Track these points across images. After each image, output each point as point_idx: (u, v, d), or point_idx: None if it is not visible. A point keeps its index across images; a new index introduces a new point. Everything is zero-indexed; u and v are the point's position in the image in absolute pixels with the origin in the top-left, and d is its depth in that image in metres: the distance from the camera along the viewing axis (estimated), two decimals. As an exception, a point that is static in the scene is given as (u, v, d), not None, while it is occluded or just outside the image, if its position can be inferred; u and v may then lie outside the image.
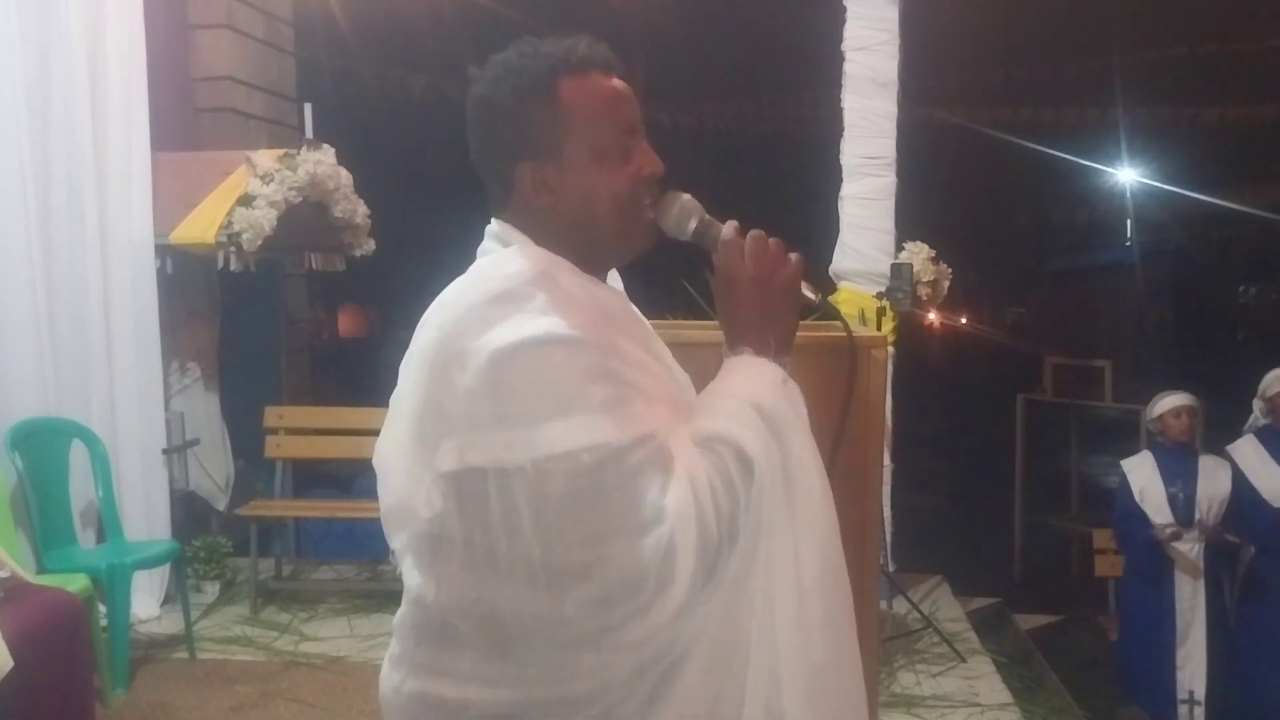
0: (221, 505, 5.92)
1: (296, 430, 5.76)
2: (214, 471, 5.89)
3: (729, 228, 1.44)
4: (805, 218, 6.02)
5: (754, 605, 1.32)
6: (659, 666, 1.29)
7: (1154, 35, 9.14)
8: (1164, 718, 5.21)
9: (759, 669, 1.32)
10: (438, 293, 1.40)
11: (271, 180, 5.07)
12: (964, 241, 10.62)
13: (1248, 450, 5.23)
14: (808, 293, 1.44)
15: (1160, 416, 5.36)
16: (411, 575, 1.38)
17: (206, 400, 5.86)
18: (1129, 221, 16.72)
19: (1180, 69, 9.66)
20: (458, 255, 1.49)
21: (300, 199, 5.21)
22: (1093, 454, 9.43)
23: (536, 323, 1.26)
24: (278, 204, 5.04)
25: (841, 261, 5.14)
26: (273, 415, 5.74)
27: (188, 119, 6.33)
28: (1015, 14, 8.29)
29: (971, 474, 10.35)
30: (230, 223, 4.95)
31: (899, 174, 5.13)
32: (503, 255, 1.37)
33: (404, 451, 1.35)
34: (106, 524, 4.78)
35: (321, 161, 5.31)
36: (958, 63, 9.30)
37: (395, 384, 1.41)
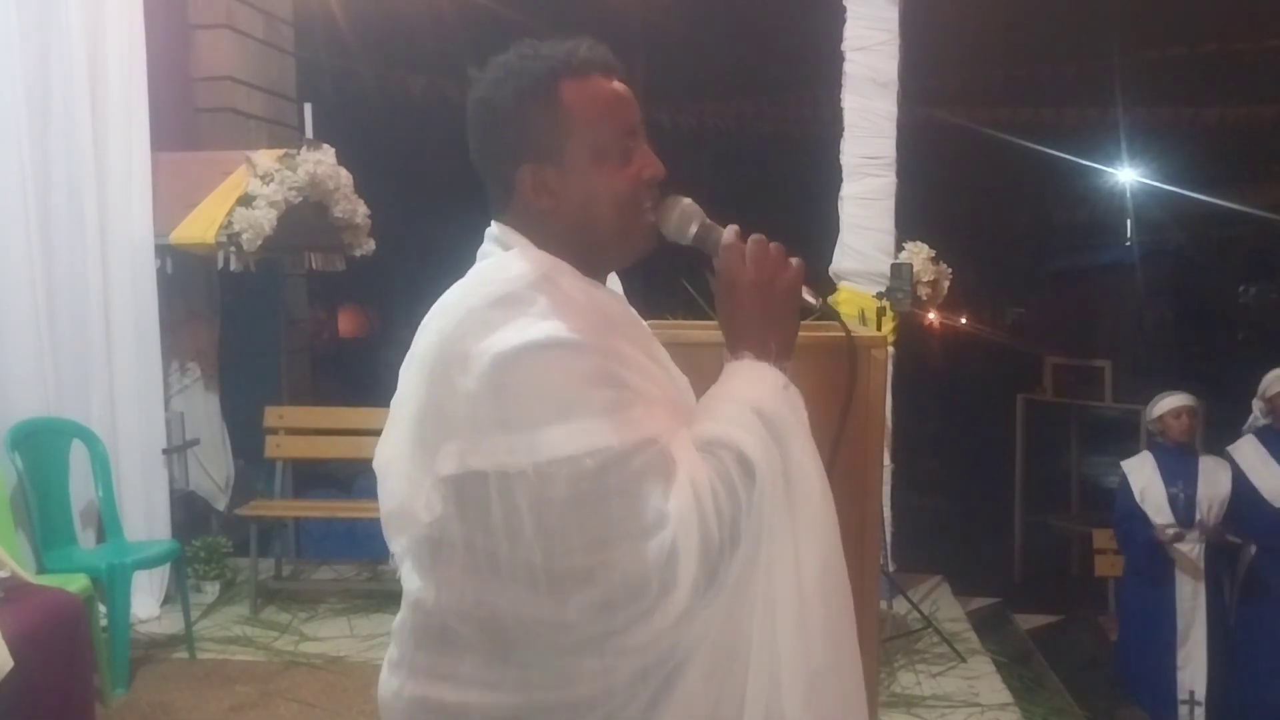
0: (221, 505, 5.92)
1: (296, 430, 5.76)
2: (214, 471, 5.89)
3: (730, 232, 1.44)
4: (805, 218, 6.02)
5: (755, 609, 1.32)
6: (661, 671, 1.29)
7: (1154, 35, 9.15)
8: (1164, 718, 5.21)
9: (760, 673, 1.32)
10: (438, 293, 1.40)
11: (271, 180, 5.07)
12: (964, 241, 10.61)
13: (1248, 450, 5.23)
14: (808, 297, 1.45)
15: (1160, 417, 5.36)
16: (411, 579, 1.38)
17: (206, 400, 5.86)
18: (1129, 221, 16.72)
19: (1180, 69, 9.66)
20: (458, 255, 1.49)
21: (300, 199, 5.21)
22: (1093, 454, 9.43)
23: (538, 326, 1.26)
24: (278, 204, 5.04)
25: (841, 261, 5.14)
26: (273, 415, 5.74)
27: (188, 119, 6.33)
28: (1015, 14, 8.30)
29: (971, 474, 10.34)
30: (230, 223, 4.95)
31: (899, 174, 5.13)
32: (503, 258, 1.37)
33: (404, 455, 1.35)
34: (106, 524, 4.78)
35: (321, 161, 5.31)
36: (958, 63, 9.30)
37: (395, 384, 1.40)
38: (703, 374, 1.45)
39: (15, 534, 4.33)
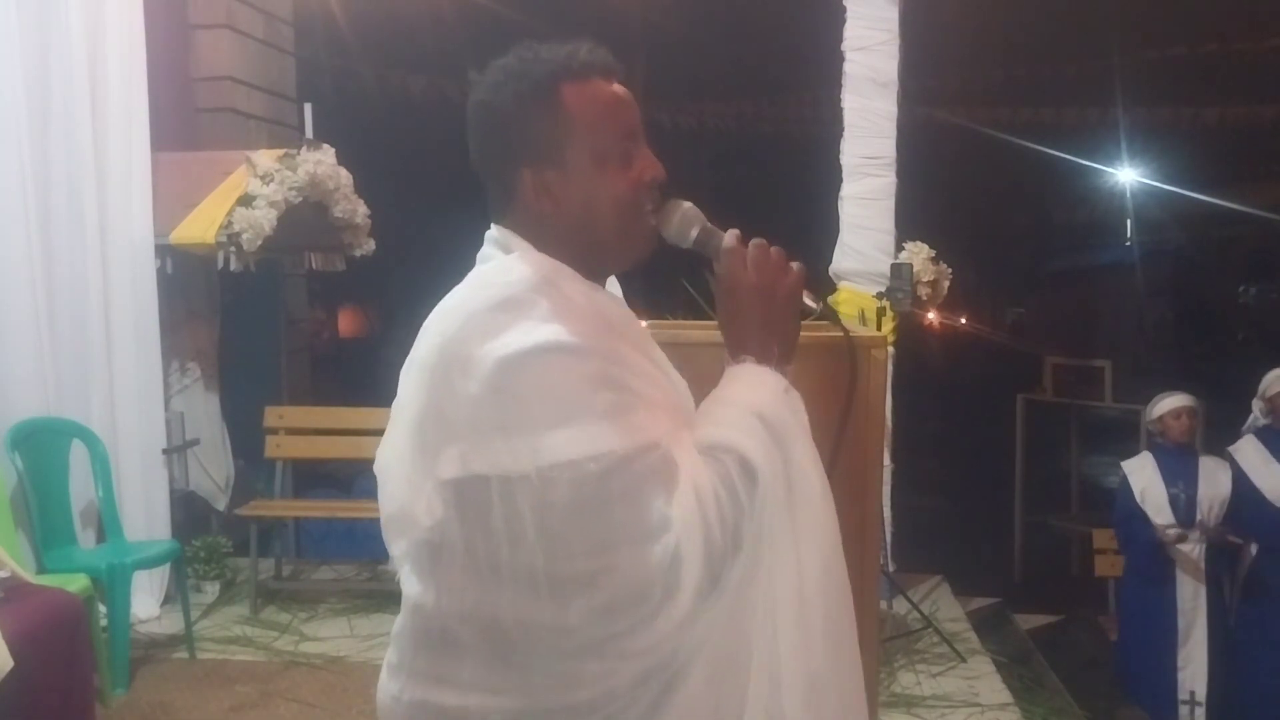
0: (221, 505, 5.92)
1: (296, 430, 5.76)
2: (214, 471, 5.89)
3: (731, 236, 1.44)
4: (805, 218, 6.03)
5: (756, 612, 1.32)
6: (663, 675, 1.29)
7: (1154, 35, 9.14)
8: (1165, 718, 5.21)
9: (760, 676, 1.32)
10: (438, 293, 1.40)
11: (271, 180, 5.07)
12: (964, 241, 10.60)
13: (1249, 451, 5.23)
14: (809, 301, 1.45)
15: (1160, 417, 5.36)
16: (410, 583, 1.38)
17: (206, 400, 5.86)
18: (1129, 221, 16.71)
19: (1180, 69, 9.66)
20: (458, 255, 1.49)
21: (300, 199, 5.21)
22: (1093, 454, 9.43)
23: (541, 330, 1.26)
24: (278, 204, 5.04)
25: (841, 261, 5.14)
26: (273, 415, 5.74)
27: (188, 119, 6.33)
28: (1015, 14, 8.30)
29: (971, 474, 10.34)
30: (230, 223, 4.95)
31: (899, 174, 5.13)
32: (505, 262, 1.37)
33: (404, 458, 1.35)
34: (106, 524, 4.78)
35: (321, 161, 5.31)
36: (958, 63, 9.30)
37: (395, 384, 1.40)
38: (702, 375, 1.45)
39: (15, 534, 4.33)
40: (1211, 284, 18.72)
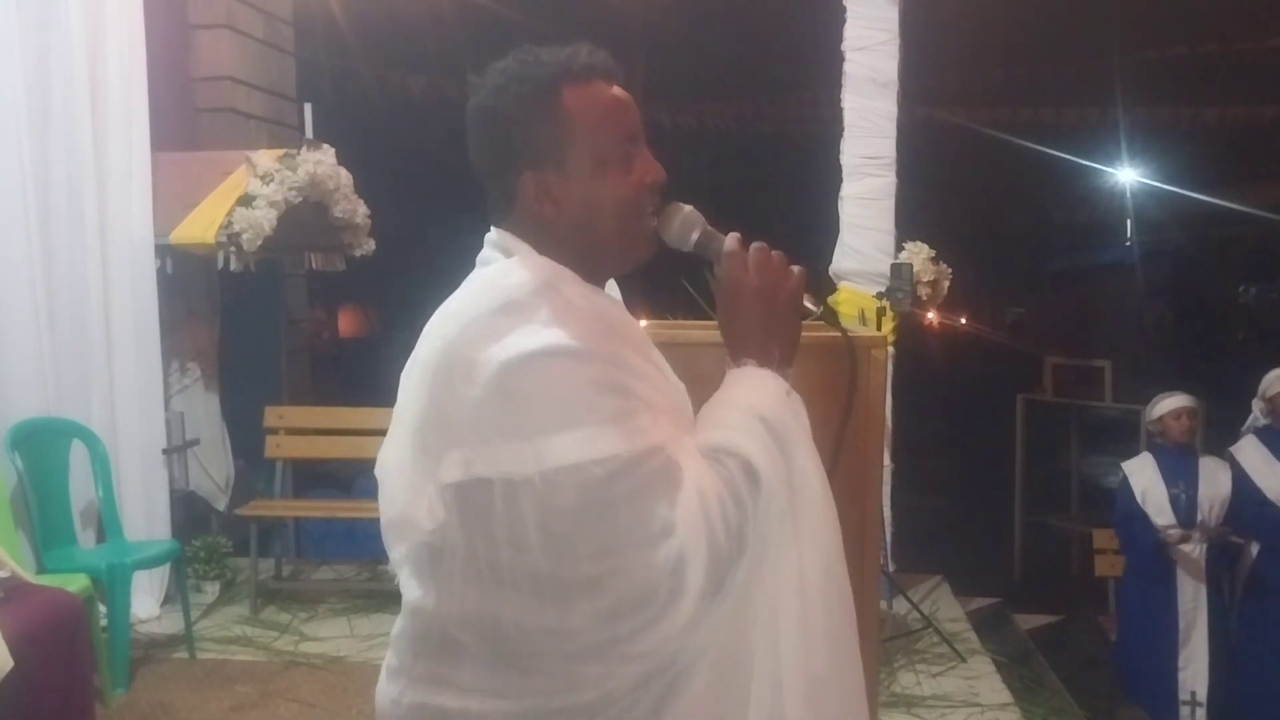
0: (221, 505, 5.92)
1: (296, 430, 5.76)
2: (214, 471, 5.89)
3: (731, 239, 1.44)
4: (805, 218, 6.03)
5: (758, 616, 1.32)
6: (664, 677, 1.29)
7: (1154, 35, 9.15)
8: (1165, 718, 5.21)
9: (762, 680, 1.32)
10: (438, 294, 1.40)
11: (271, 180, 5.08)
12: (964, 241, 10.61)
13: (1251, 451, 5.23)
14: (809, 304, 1.46)
15: (1160, 418, 5.36)
16: (410, 587, 1.38)
17: (206, 400, 5.86)
18: (1129, 221, 16.70)
19: (1180, 69, 9.66)
20: (458, 255, 1.49)
21: (300, 199, 5.21)
22: (1093, 454, 9.43)
23: (543, 334, 1.26)
24: (278, 204, 5.04)
25: (841, 261, 5.14)
26: (273, 415, 5.74)
27: (188, 119, 6.33)
28: (1015, 14, 8.30)
29: (971, 474, 10.34)
30: (230, 223, 4.95)
31: (899, 174, 5.13)
32: (506, 265, 1.37)
33: (405, 461, 1.35)
34: (106, 524, 4.78)
35: (321, 161, 5.31)
36: (958, 63, 9.30)
37: (395, 384, 1.40)
38: (702, 376, 1.45)
39: (15, 534, 4.33)
40: (1211, 284, 18.72)
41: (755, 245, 1.43)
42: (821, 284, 5.01)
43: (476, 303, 1.33)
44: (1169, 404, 5.35)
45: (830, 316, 1.53)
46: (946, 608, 5.50)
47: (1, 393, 4.67)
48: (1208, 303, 18.65)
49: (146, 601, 5.04)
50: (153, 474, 5.17)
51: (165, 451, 5.26)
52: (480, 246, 1.44)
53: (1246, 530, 5.15)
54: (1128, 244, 17.51)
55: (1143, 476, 5.30)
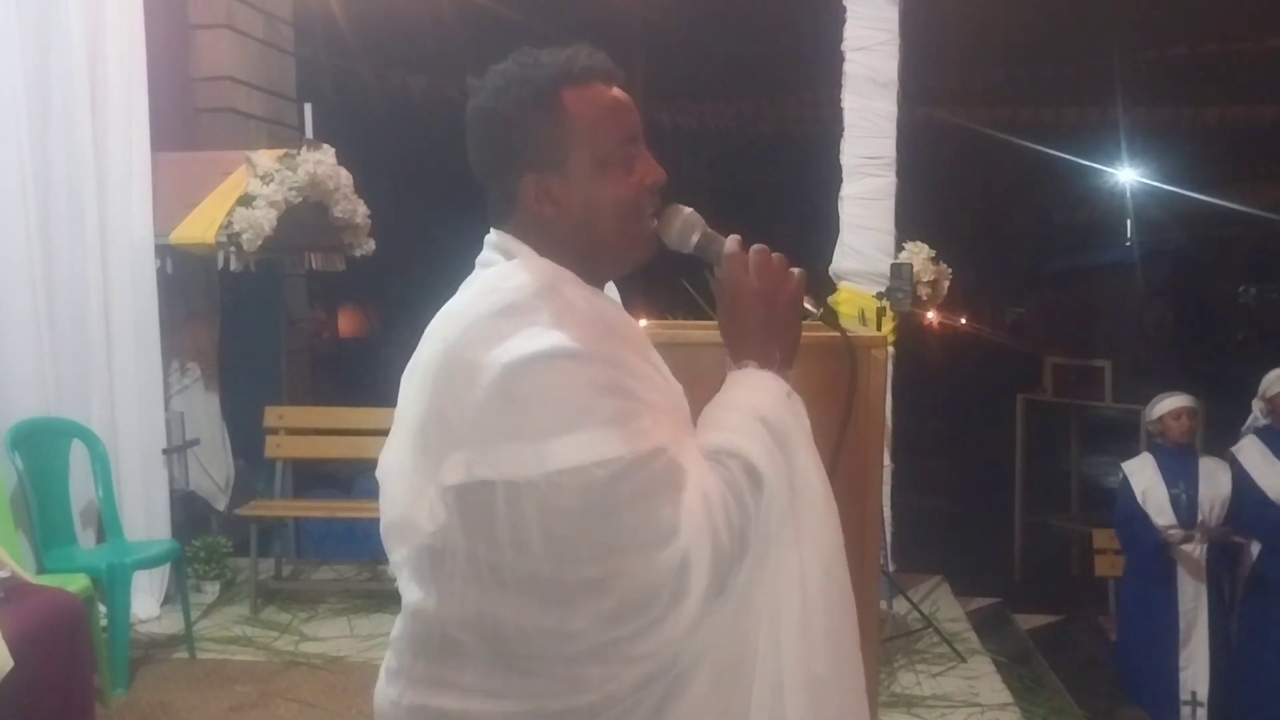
0: (221, 505, 5.92)
1: (296, 430, 5.76)
2: (214, 471, 5.89)
3: (732, 241, 1.44)
4: (805, 218, 6.03)
5: (760, 617, 1.32)
6: (665, 678, 1.29)
7: (1154, 35, 9.15)
8: (1166, 719, 5.21)
9: (764, 681, 1.32)
10: (438, 293, 1.40)
11: (271, 180, 5.08)
12: (964, 241, 10.61)
13: (1252, 451, 5.23)
14: (809, 305, 1.46)
15: (1160, 418, 5.36)
16: (410, 589, 1.38)
17: (206, 400, 5.86)
18: (1129, 221, 16.70)
19: (1180, 69, 9.67)
20: (458, 255, 1.49)
21: (300, 199, 5.21)
22: (1093, 454, 9.43)
23: (546, 336, 1.26)
24: (278, 204, 5.04)
25: (841, 261, 5.14)
26: (273, 415, 5.74)
27: (188, 119, 6.33)
28: (1015, 14, 8.30)
29: (971, 474, 10.34)
30: (230, 223, 4.95)
31: (899, 174, 5.13)
32: (507, 267, 1.37)
33: (406, 463, 1.35)
34: (106, 524, 4.78)
35: (321, 161, 5.31)
36: (958, 63, 9.30)
37: (396, 384, 1.40)
38: (702, 376, 1.45)
39: (15, 534, 4.33)
40: (1211, 284, 18.71)
41: (755, 247, 1.43)
42: (821, 284, 5.01)
43: (478, 305, 1.33)
44: (1169, 404, 5.35)
45: (830, 318, 1.53)
46: (946, 608, 5.50)
47: (1, 393, 4.67)
48: (1208, 303, 18.64)
49: (146, 601, 5.04)
50: (153, 474, 5.17)
51: (165, 451, 5.26)
52: (480, 247, 1.44)
53: (1248, 530, 5.15)
54: (1128, 244, 17.51)
55: (1143, 477, 5.30)
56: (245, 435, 5.94)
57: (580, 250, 1.39)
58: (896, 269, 4.77)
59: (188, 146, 5.99)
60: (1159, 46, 9.36)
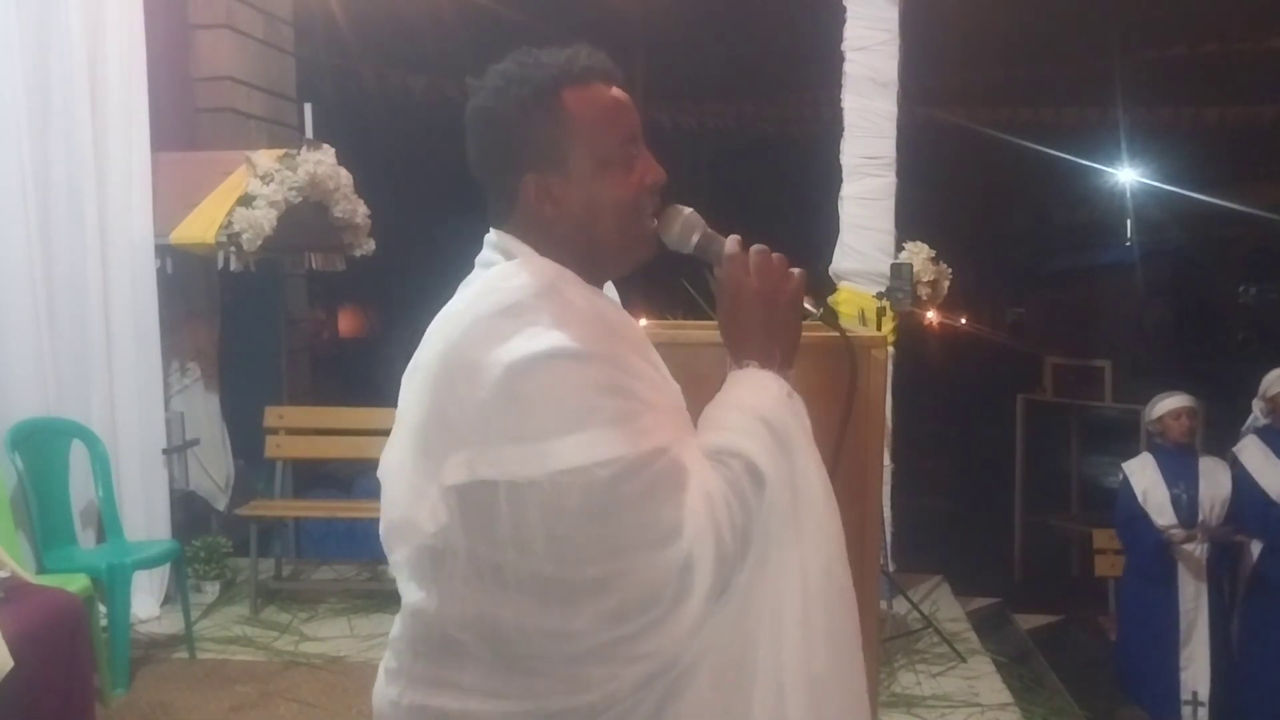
0: (221, 505, 5.92)
1: (296, 430, 5.76)
2: (214, 471, 5.89)
3: (732, 242, 1.44)
4: (805, 218, 6.02)
5: (761, 617, 1.32)
6: (666, 678, 1.29)
7: (1154, 35, 9.15)
8: (1167, 718, 5.21)
9: (765, 681, 1.32)
10: (438, 293, 1.40)
11: (271, 180, 5.08)
12: (964, 241, 10.62)
13: (1253, 450, 5.22)
14: (808, 305, 1.46)
15: (1160, 418, 5.36)
16: (410, 590, 1.37)
17: (206, 400, 5.86)
18: (1129, 221, 16.69)
19: (1180, 69, 9.67)
20: (458, 255, 1.49)
21: (300, 199, 5.21)
22: (1093, 454, 9.43)
23: (548, 336, 1.26)
24: (278, 204, 5.04)
25: (841, 261, 5.14)
26: (273, 415, 5.74)
27: (188, 119, 6.33)
28: (1015, 14, 8.30)
29: (971, 474, 10.34)
30: (230, 223, 4.95)
31: (899, 174, 5.13)
32: (508, 267, 1.37)
33: (407, 464, 1.35)
34: (106, 524, 4.78)
35: (321, 161, 5.31)
36: (958, 63, 9.31)
37: (396, 384, 1.40)
38: (702, 376, 1.45)
39: (15, 534, 4.33)
40: (1211, 284, 18.70)
41: (756, 248, 1.43)
42: (821, 284, 5.01)
43: (479, 305, 1.33)
44: (1169, 404, 5.35)
45: (830, 318, 1.53)
46: (946, 608, 5.50)
47: (1, 393, 4.67)
48: (1208, 303, 18.63)
49: (146, 601, 5.04)
50: (153, 474, 5.17)
51: (165, 451, 5.26)
52: (480, 247, 1.44)
53: (1250, 530, 5.15)
54: (1128, 244, 17.50)
55: (1143, 477, 5.30)
56: (245, 435, 5.94)
57: (580, 250, 1.39)
58: (896, 269, 4.78)
59: (188, 146, 5.99)
60: (1159, 46, 9.37)
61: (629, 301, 1.57)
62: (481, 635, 1.30)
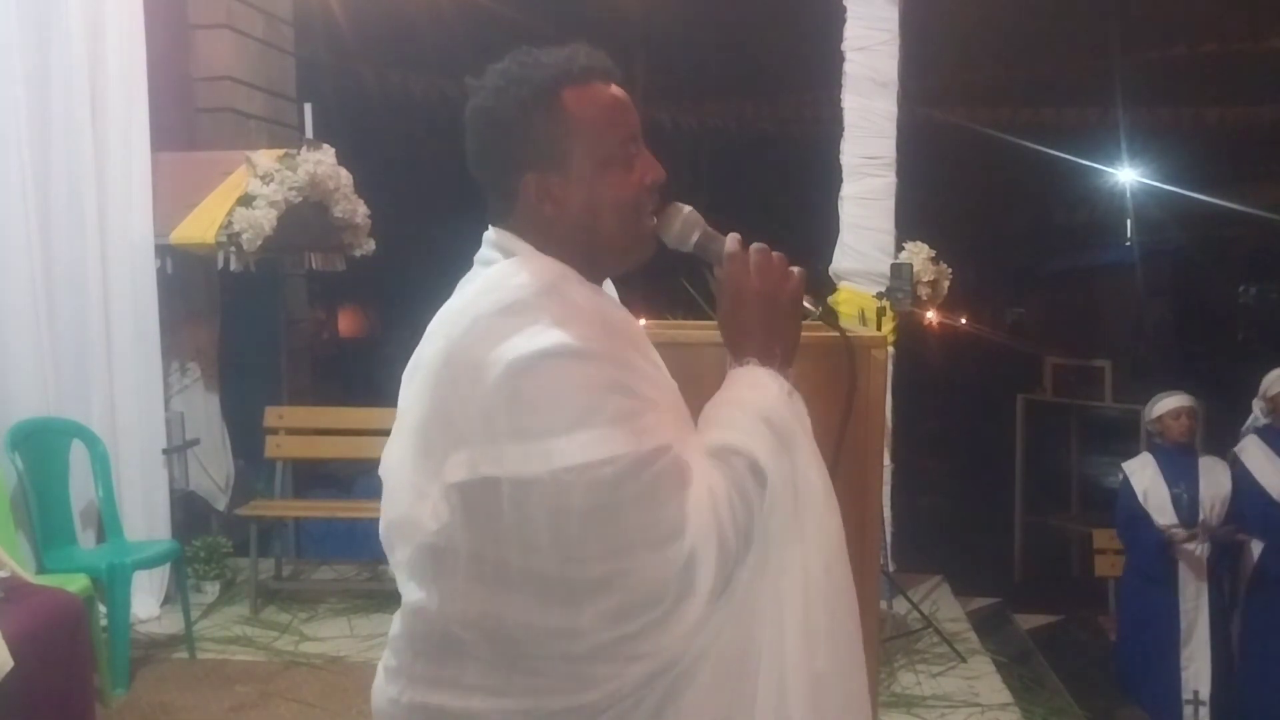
0: (221, 505, 5.92)
1: (296, 430, 5.76)
2: (214, 471, 5.89)
3: (732, 241, 1.45)
4: (805, 218, 6.02)
5: (763, 615, 1.32)
6: (667, 676, 1.29)
7: (1154, 35, 9.16)
8: (1167, 718, 5.21)
9: (767, 679, 1.32)
10: (438, 293, 1.40)
11: (271, 180, 5.08)
12: (964, 241, 10.60)
13: (1254, 450, 5.22)
14: (808, 304, 1.46)
15: (1159, 418, 5.36)
16: (410, 589, 1.37)
17: (206, 400, 5.86)
18: (1129, 221, 16.69)
19: (1180, 69, 9.67)
20: (458, 255, 1.49)
21: (300, 199, 5.21)
22: (1093, 454, 9.43)
23: (550, 334, 1.26)
24: (278, 204, 5.04)
25: (841, 261, 5.14)
26: (273, 415, 5.74)
27: (188, 119, 6.33)
28: (1015, 14, 8.30)
29: (971, 474, 10.34)
30: (230, 223, 4.95)
31: (899, 174, 5.13)
32: (508, 265, 1.37)
33: (408, 462, 1.34)
34: (106, 524, 4.78)
35: (321, 161, 5.31)
36: (958, 63, 9.31)
37: (396, 384, 1.40)
38: (702, 375, 1.45)
39: (15, 534, 4.33)
40: (1211, 284, 18.69)
41: (755, 247, 1.43)
42: (821, 284, 5.01)
43: (480, 303, 1.33)
44: (1168, 404, 5.35)
45: (830, 317, 1.53)
46: (946, 608, 5.51)
47: (2, 393, 4.67)
48: (1208, 303, 18.62)
49: (146, 601, 5.04)
50: (153, 474, 5.17)
51: (165, 451, 5.26)
52: (479, 246, 1.44)
53: (1251, 530, 5.14)
54: (1128, 244, 17.49)
55: (1144, 477, 5.30)
56: (245, 435, 5.94)
57: (580, 249, 1.39)
58: (896, 269, 4.77)
59: (188, 146, 5.99)
60: (1159, 46, 9.37)
61: (629, 301, 1.57)
62: (483, 633, 1.30)
